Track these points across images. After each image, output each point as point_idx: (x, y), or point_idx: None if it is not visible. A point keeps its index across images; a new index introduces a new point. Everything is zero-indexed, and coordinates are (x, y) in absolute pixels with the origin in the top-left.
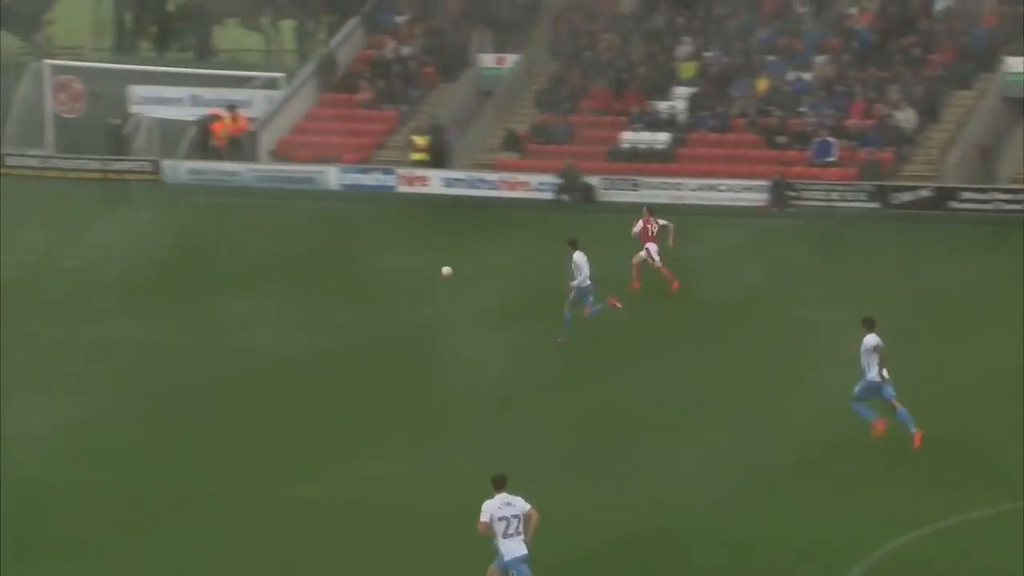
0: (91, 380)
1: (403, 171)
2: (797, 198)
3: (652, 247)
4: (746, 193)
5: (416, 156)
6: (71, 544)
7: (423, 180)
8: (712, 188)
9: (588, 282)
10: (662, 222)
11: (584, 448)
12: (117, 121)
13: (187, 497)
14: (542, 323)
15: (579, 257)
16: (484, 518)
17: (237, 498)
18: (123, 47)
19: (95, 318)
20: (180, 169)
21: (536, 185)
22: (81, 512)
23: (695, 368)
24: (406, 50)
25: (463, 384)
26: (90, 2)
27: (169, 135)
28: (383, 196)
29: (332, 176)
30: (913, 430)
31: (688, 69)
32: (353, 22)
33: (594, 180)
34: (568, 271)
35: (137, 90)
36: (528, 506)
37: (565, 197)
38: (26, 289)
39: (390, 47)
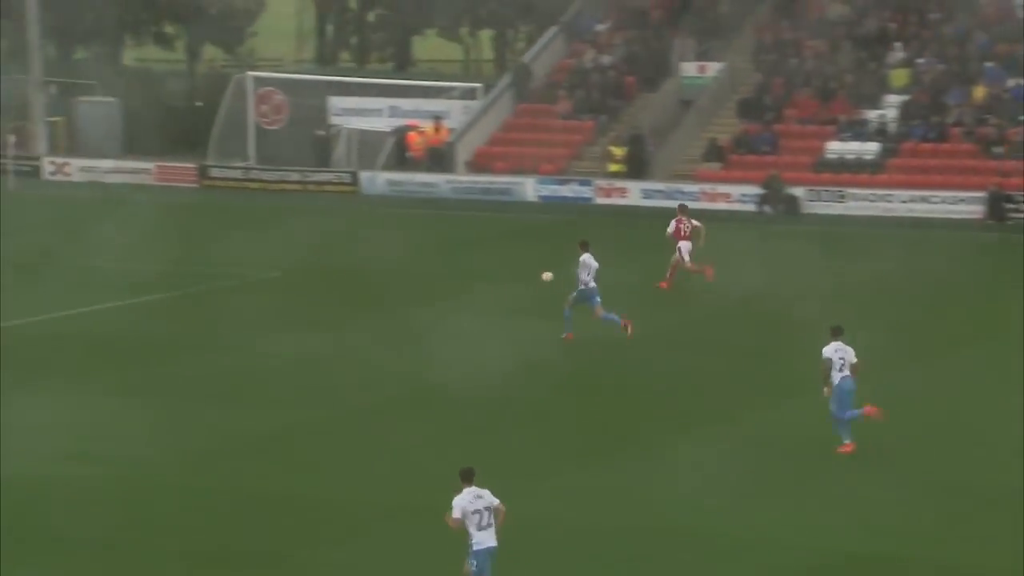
0: (292, 392)
1: (601, 182)
2: (1016, 210)
3: (685, 245)
4: (961, 205)
5: (614, 167)
6: (270, 555)
7: (621, 191)
8: (924, 200)
9: (592, 284)
10: (695, 223)
11: (783, 466)
12: (322, 132)
13: (385, 510)
14: (746, 336)
15: (587, 259)
16: (456, 514)
17: (433, 512)
18: (324, 58)
19: (295, 329)
20: (378, 180)
21: (738, 196)
22: (280, 523)
23: (910, 389)
24: (606, 59)
25: (661, 399)
26: (293, 14)
27: (367, 146)
28: (580, 207)
29: (529, 187)
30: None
31: (900, 76)
32: (552, 31)
33: (798, 191)
34: (576, 272)
35: (337, 101)
36: (496, 500)
37: (768, 209)
38: (230, 298)
39: (589, 56)
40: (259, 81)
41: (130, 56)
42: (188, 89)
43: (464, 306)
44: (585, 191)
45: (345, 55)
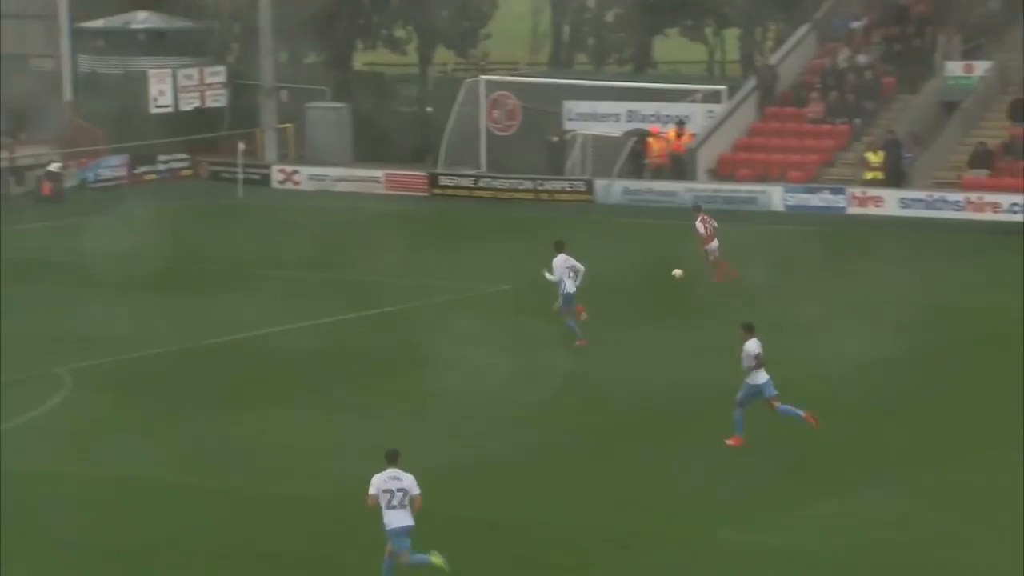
0: (520, 411)
1: (855, 191)
2: None
3: (714, 245)
4: None
5: (869, 174)
6: None
7: (877, 201)
8: None
9: (568, 288)
10: (713, 222)
11: None
12: (555, 138)
13: (618, 536)
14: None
15: (557, 261)
16: (372, 491)
17: (671, 540)
18: (559, 61)
19: (520, 346)
20: (613, 189)
21: (1007, 207)
22: (502, 549)
23: None
24: (862, 58)
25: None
26: (528, 15)
27: (603, 153)
28: (831, 218)
29: (776, 196)
30: (802, 413)
31: None
32: (803, 29)
33: None
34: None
35: (571, 106)
36: (417, 490)
37: None
38: (458, 312)
39: (844, 55)
40: (492, 85)
41: (361, 60)
42: (419, 94)
43: (709, 323)
44: (837, 200)
45: (581, 57)
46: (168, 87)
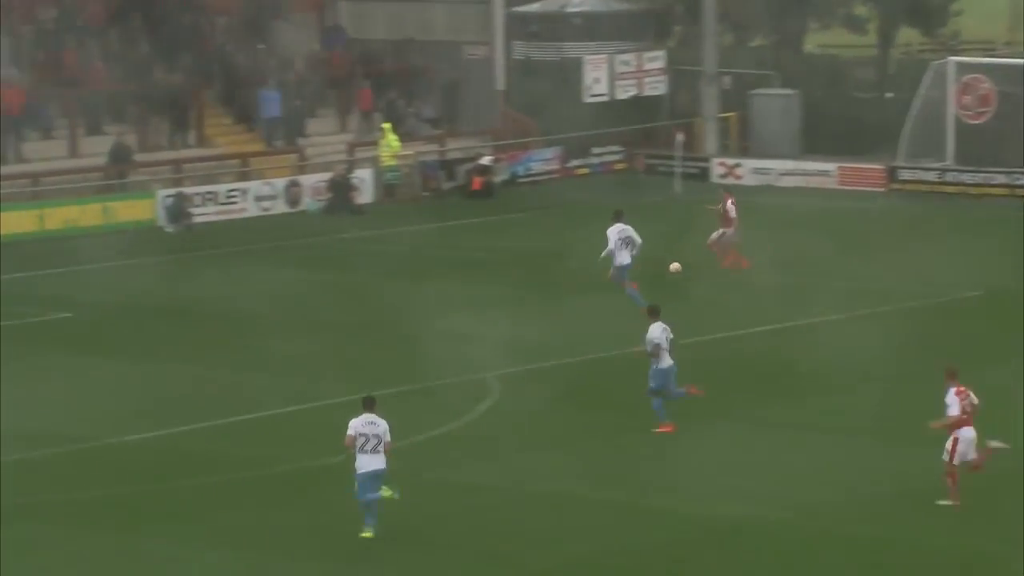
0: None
1: None
2: None
3: (732, 231)
4: None
5: None
6: None
7: None
8: None
9: (622, 260)
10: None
11: None
12: None
13: None
14: None
15: (612, 230)
16: (350, 432)
17: None
18: None
19: (993, 360)
20: None
21: None
22: None
23: None
24: None
25: None
26: None
27: None
28: None
29: None
30: (684, 390)
31: None
32: None
33: None
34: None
35: None
36: (389, 437)
37: None
38: (921, 321)
39: None
40: (962, 68)
41: (813, 42)
42: (878, 78)
43: None
44: None
45: None
46: (604, 74)
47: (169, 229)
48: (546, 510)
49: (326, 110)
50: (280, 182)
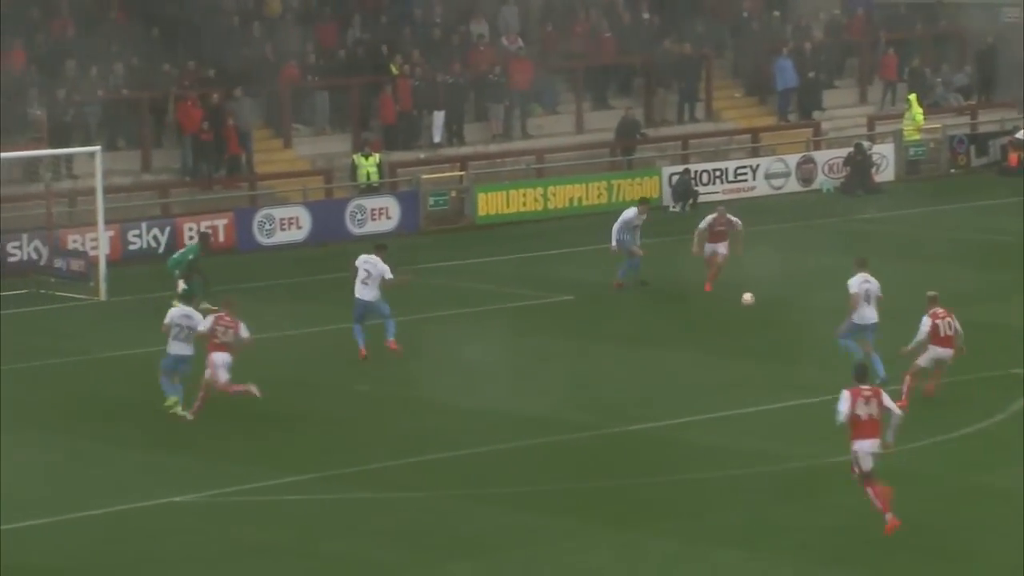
0: None
1: None
2: None
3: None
4: None
5: None
6: None
7: None
8: None
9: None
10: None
11: None
12: None
13: None
14: None
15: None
16: (166, 321)
17: None
18: None
19: None
20: None
21: None
22: None
23: None
24: None
25: None
26: None
27: None
28: None
29: None
30: None
31: None
32: None
33: None
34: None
35: None
36: (203, 327)
37: None
38: None
39: None
40: None
41: None
42: None
43: None
44: None
45: None
46: None
47: (674, 208)
48: None
49: (844, 80)
50: (793, 158)
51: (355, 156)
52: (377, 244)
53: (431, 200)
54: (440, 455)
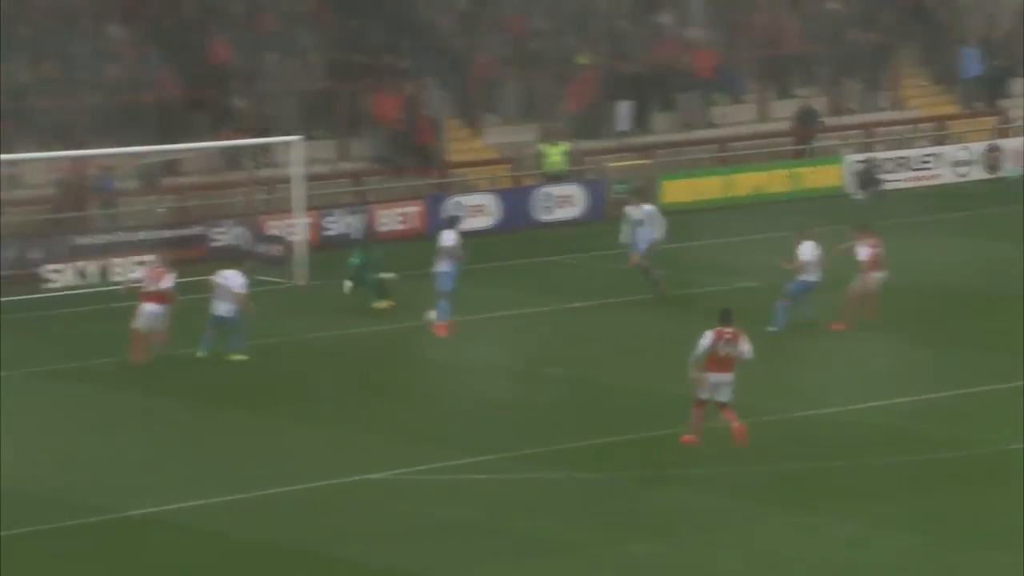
0: None
1: None
2: None
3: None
4: None
5: None
6: None
7: None
8: None
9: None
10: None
11: None
12: None
13: None
14: None
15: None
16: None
17: None
18: None
19: None
20: None
21: None
22: None
23: None
24: None
25: None
26: None
27: None
28: None
29: None
30: None
31: None
32: None
33: None
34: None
35: None
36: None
37: None
38: None
39: None
40: None
41: None
42: None
43: None
44: None
45: None
46: None
47: (858, 196)
48: None
49: None
50: (978, 146)
51: (542, 145)
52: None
53: (616, 188)
54: (625, 436)
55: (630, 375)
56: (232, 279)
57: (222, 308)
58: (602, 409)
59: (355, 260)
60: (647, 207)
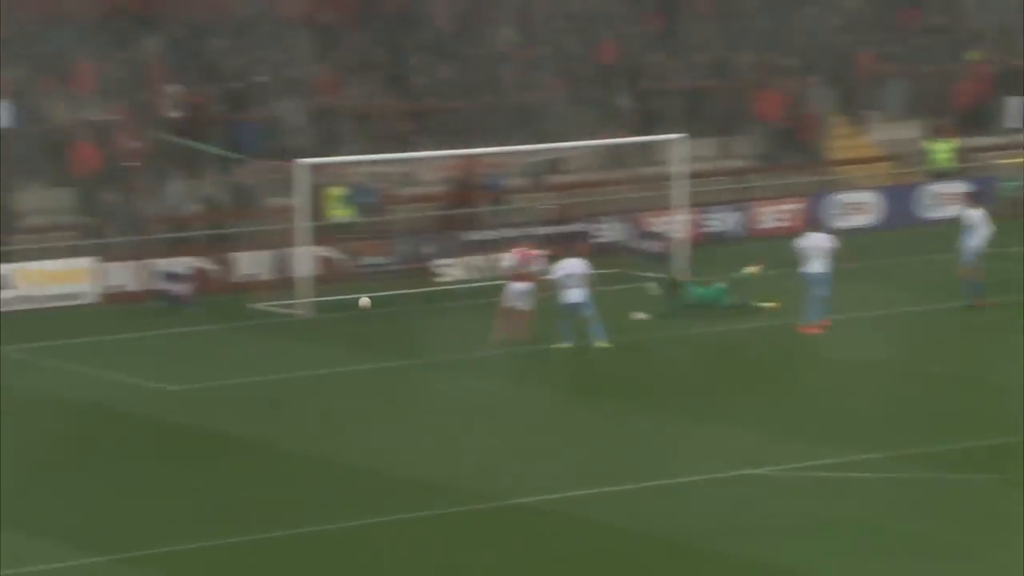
0: None
1: None
2: None
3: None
4: None
5: None
6: None
7: None
8: None
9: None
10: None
11: None
12: None
13: None
14: None
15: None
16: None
17: None
18: None
19: None
20: None
21: None
22: None
23: None
24: None
25: None
26: None
27: None
28: None
29: None
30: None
31: None
32: None
33: None
34: None
35: None
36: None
37: None
38: None
39: None
40: None
41: None
42: None
43: None
44: None
45: None
46: None
47: None
48: None
49: None
50: None
51: (926, 142)
52: None
53: (1005, 185)
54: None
55: (1017, 376)
56: (577, 266)
57: (573, 295)
58: (993, 410)
59: (697, 292)
60: (974, 211)
